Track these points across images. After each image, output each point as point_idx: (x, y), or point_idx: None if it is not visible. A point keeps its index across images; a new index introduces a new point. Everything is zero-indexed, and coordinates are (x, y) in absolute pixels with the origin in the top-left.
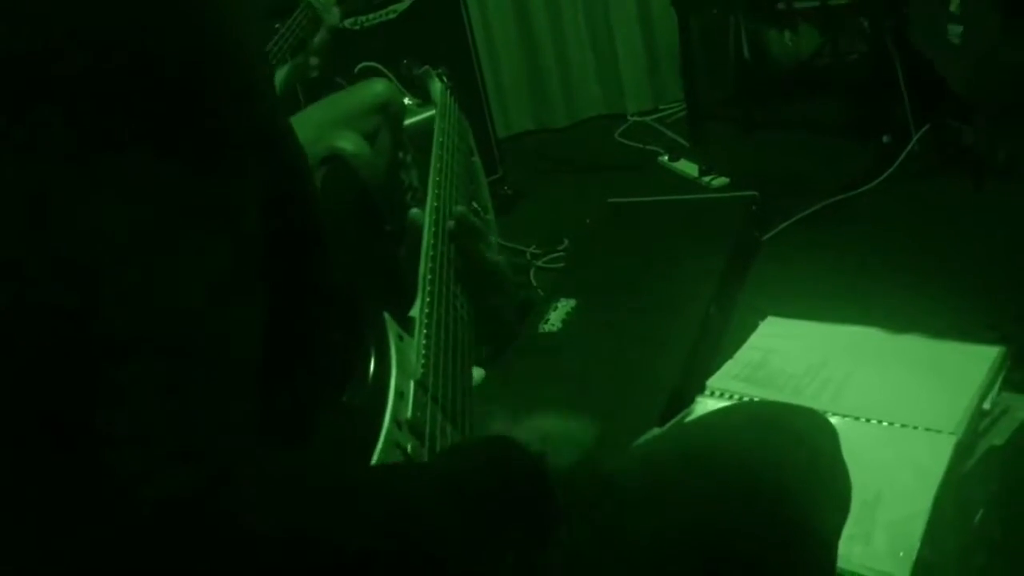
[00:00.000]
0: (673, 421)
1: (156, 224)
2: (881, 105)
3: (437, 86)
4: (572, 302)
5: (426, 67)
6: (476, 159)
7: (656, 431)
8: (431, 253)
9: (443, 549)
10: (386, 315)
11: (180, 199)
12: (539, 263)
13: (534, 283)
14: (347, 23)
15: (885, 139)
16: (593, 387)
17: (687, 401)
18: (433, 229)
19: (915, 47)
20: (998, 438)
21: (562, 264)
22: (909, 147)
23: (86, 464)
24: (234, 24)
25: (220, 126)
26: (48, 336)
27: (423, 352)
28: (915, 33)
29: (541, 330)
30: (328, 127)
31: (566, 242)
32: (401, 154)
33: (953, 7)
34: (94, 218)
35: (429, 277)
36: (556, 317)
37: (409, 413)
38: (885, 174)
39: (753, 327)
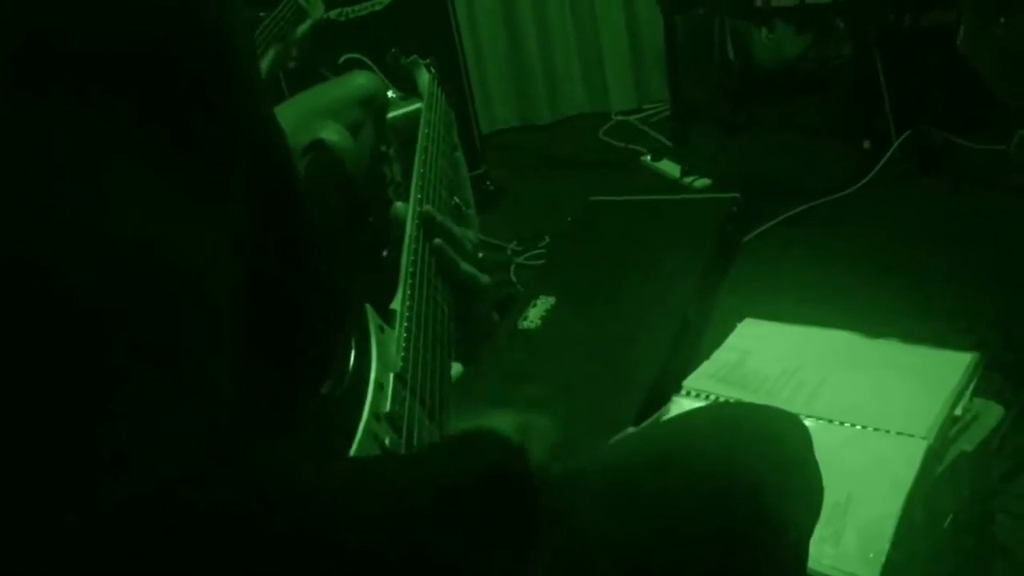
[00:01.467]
0: (648, 420)
1: (148, 211)
2: (863, 110)
3: (425, 76)
4: (551, 299)
5: (414, 57)
6: (459, 154)
7: (631, 430)
8: (414, 246)
9: (432, 555)
10: (368, 307)
11: (175, 191)
12: (519, 260)
13: (514, 279)
14: (332, 14)
15: (866, 145)
16: (570, 385)
17: (663, 400)
18: (416, 221)
19: (961, 53)
20: (968, 444)
21: (543, 261)
22: (889, 153)
23: (76, 443)
24: (232, 21)
25: (219, 120)
26: (37, 314)
27: (403, 345)
28: (965, 41)
29: (520, 327)
30: (312, 117)
31: (547, 239)
32: (383, 147)
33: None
34: (82, 198)
35: (411, 270)
36: (535, 314)
37: (388, 406)
38: (865, 179)
39: (731, 328)
